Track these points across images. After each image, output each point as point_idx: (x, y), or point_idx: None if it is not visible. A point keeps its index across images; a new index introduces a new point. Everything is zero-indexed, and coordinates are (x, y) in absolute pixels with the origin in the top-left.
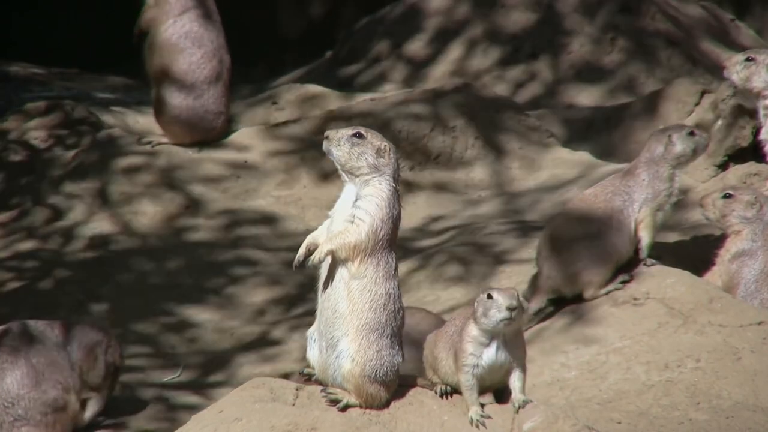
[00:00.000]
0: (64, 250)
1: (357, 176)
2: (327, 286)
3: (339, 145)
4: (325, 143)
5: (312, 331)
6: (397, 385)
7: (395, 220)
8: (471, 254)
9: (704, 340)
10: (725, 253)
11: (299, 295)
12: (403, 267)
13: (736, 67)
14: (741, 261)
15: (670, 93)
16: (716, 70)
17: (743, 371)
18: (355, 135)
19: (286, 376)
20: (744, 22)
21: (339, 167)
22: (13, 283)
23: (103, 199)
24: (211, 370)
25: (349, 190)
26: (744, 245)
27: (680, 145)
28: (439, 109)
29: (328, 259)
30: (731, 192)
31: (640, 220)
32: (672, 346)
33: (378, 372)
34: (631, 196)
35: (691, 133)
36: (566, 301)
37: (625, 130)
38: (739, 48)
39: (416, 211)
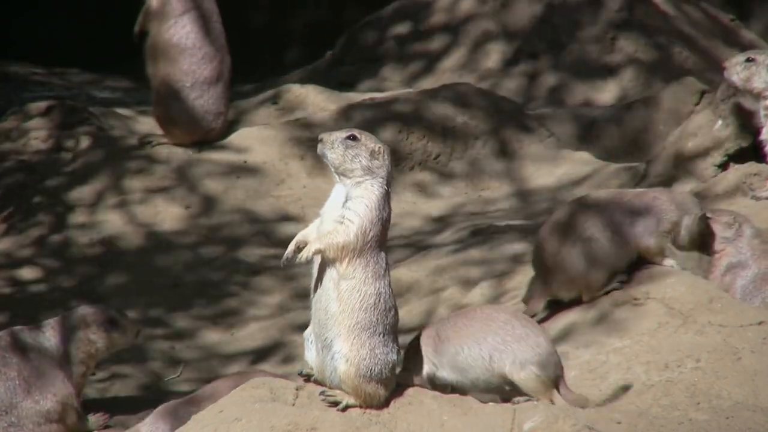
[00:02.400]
0: (64, 250)
1: (350, 178)
2: (318, 288)
3: (333, 147)
4: (319, 146)
5: (308, 332)
6: (395, 382)
7: (384, 222)
8: (470, 254)
9: (704, 340)
10: (715, 270)
11: (299, 296)
12: (405, 265)
13: (736, 68)
14: (734, 273)
15: (671, 93)
16: (716, 70)
17: (743, 371)
18: (349, 137)
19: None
20: (744, 23)
21: (333, 170)
22: (13, 283)
23: (103, 199)
24: (211, 370)
25: (339, 190)
26: (733, 258)
27: (683, 229)
28: (439, 109)
29: (319, 261)
30: (709, 215)
31: (654, 251)
32: (672, 346)
33: (373, 371)
34: (634, 218)
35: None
36: (564, 303)
37: (625, 131)
38: (739, 48)
39: (415, 211)
